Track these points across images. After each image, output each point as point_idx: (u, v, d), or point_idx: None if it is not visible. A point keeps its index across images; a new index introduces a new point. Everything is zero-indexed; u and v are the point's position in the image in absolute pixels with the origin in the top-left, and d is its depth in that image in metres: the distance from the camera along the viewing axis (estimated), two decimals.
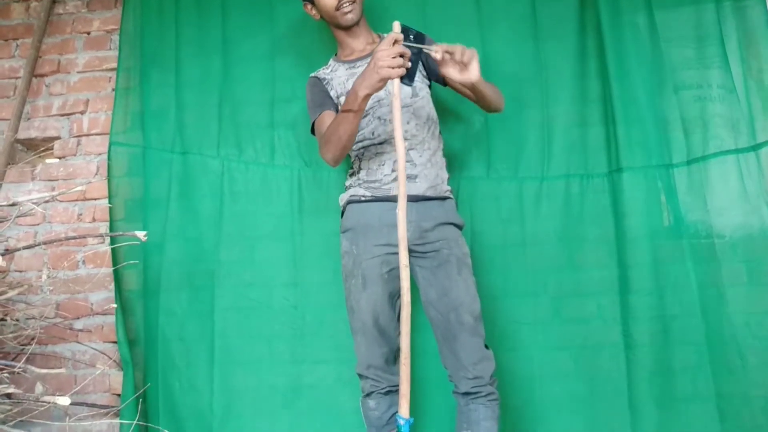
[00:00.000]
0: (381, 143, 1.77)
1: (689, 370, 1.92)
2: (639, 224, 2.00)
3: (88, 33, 2.54)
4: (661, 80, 2.05)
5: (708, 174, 1.98)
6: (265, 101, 2.27)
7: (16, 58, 2.55)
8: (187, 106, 2.28)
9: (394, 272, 1.65)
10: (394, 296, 1.70)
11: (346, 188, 1.84)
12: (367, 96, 1.54)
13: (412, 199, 1.64)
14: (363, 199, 1.75)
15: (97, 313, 2.28)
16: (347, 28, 1.82)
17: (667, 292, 1.96)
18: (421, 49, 1.59)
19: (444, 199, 1.77)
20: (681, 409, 1.91)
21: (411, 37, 1.59)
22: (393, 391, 1.69)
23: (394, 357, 1.72)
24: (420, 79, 1.80)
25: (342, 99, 1.80)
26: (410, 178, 1.69)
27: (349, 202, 1.78)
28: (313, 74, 1.91)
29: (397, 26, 1.59)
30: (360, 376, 1.75)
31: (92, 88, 2.48)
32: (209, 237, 2.19)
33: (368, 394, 1.73)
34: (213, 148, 2.25)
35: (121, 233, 2.01)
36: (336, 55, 1.94)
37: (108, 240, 2.19)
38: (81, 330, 2.28)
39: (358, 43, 1.86)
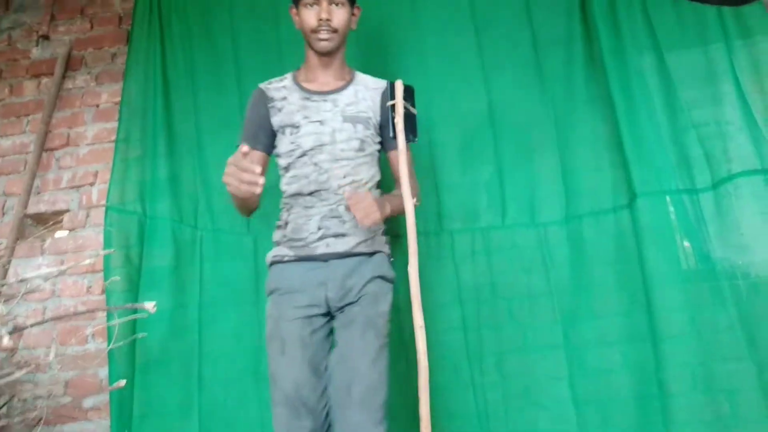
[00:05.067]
0: (311, 194, 1.62)
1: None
2: (662, 259, 1.89)
3: (97, 105, 2.57)
4: (674, 119, 1.99)
5: (737, 197, 1.87)
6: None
7: (26, 134, 2.58)
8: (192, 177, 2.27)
9: (317, 335, 1.52)
10: (320, 364, 1.50)
11: (274, 244, 1.68)
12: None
13: (338, 256, 1.58)
14: (286, 259, 1.61)
15: (107, 390, 2.19)
16: (319, 54, 1.68)
17: (703, 335, 1.82)
18: (414, 114, 1.59)
19: (373, 253, 1.63)
20: None
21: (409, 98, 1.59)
22: None
23: None
24: (372, 137, 1.69)
25: (288, 130, 1.65)
26: (338, 235, 1.59)
27: (272, 263, 1.65)
28: (262, 85, 1.73)
29: (399, 85, 1.58)
30: None
31: (101, 159, 2.48)
32: (194, 305, 2.12)
33: None
34: (218, 221, 2.21)
35: (128, 306, 1.95)
36: (297, 71, 1.76)
37: (116, 314, 2.13)
38: (90, 408, 2.20)
39: (325, 74, 1.70)
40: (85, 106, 2.58)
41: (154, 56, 2.38)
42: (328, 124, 1.64)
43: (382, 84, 1.73)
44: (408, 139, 1.54)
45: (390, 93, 1.58)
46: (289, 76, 1.74)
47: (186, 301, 2.14)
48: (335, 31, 1.63)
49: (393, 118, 1.56)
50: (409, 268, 1.43)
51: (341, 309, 1.56)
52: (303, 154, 1.63)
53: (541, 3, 2.22)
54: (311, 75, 1.71)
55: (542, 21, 2.20)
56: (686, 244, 1.88)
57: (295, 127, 1.65)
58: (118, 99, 2.52)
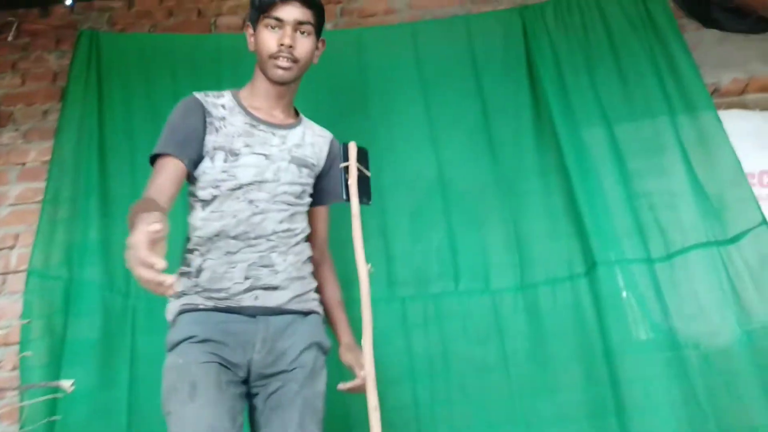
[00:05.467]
0: (237, 237, 1.35)
1: None
2: (622, 329, 1.87)
3: (24, 164, 2.40)
4: (627, 189, 2.02)
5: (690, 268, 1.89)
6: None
7: None
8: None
9: (235, 390, 1.26)
10: (237, 417, 1.23)
11: (175, 297, 1.35)
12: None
13: (269, 311, 1.33)
14: (202, 307, 1.31)
15: None
16: (273, 83, 1.44)
17: (665, 408, 1.78)
18: (368, 177, 1.54)
19: (308, 313, 1.41)
20: None
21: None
22: None
23: None
24: (311, 187, 1.52)
25: (222, 156, 1.38)
26: (269, 287, 1.34)
27: (181, 312, 1.32)
28: (199, 95, 1.43)
29: (353, 147, 1.53)
30: None
31: (24, 220, 2.29)
32: (122, 384, 1.93)
33: None
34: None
35: (41, 384, 1.74)
36: (238, 90, 1.50)
37: (27, 393, 1.90)
38: None
39: (275, 106, 1.48)
40: (9, 164, 2.40)
41: (90, 114, 2.25)
42: (274, 160, 1.42)
43: (328, 134, 1.60)
44: (362, 202, 1.48)
45: (343, 154, 1.52)
46: (227, 94, 1.48)
47: (114, 379, 1.93)
48: (296, 61, 1.41)
49: (346, 180, 1.50)
50: (363, 341, 1.33)
51: (266, 378, 1.31)
52: (237, 188, 1.37)
53: (489, 70, 2.26)
54: (257, 102, 1.47)
55: (491, 89, 2.23)
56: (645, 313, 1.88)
57: (234, 154, 1.39)
58: (47, 157, 2.35)
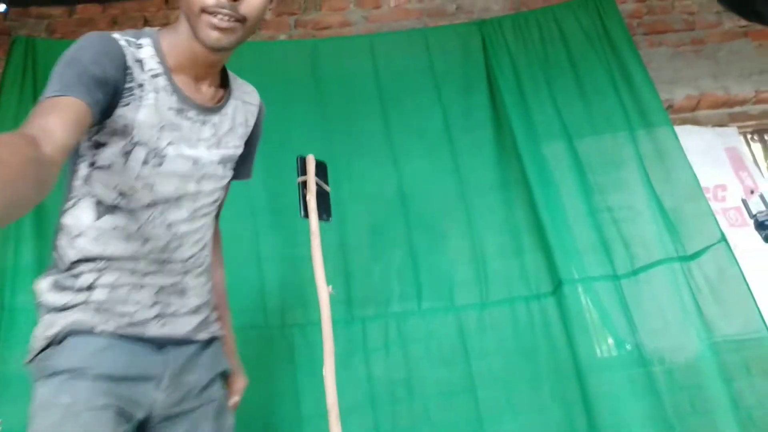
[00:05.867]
0: (146, 259, 1.04)
1: None
2: (592, 346, 1.84)
3: None
4: (589, 204, 2.01)
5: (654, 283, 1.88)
6: None
7: None
8: None
9: None
10: None
11: (53, 308, 1.02)
12: None
13: (176, 341, 1.08)
14: (98, 331, 1.00)
15: None
16: (207, 48, 0.98)
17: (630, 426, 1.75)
18: (328, 192, 1.46)
19: (212, 340, 1.16)
20: None
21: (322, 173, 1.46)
22: None
23: None
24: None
25: (141, 155, 0.98)
26: (178, 314, 1.08)
27: (70, 333, 1.00)
28: (120, 38, 0.98)
29: (311, 161, 1.45)
30: None
31: None
32: None
33: None
34: None
35: None
36: (162, 44, 1.03)
37: None
38: None
39: (203, 75, 1.06)
40: None
41: None
42: (202, 165, 1.07)
43: (255, 98, 1.22)
44: (321, 219, 1.40)
45: (300, 168, 1.44)
46: (147, 42, 1.01)
47: None
48: (242, 20, 0.96)
49: (304, 195, 1.41)
50: (324, 370, 1.23)
51: (171, 419, 1.06)
52: (152, 204, 1.02)
53: (449, 83, 2.23)
54: (183, 69, 1.03)
55: (451, 103, 2.20)
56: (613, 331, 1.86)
57: (159, 156, 1.00)
58: None
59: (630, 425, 1.73)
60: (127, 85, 0.96)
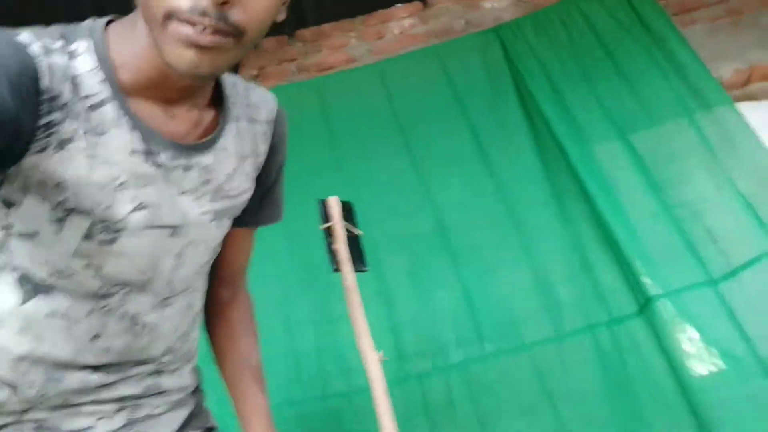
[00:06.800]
0: (97, 369, 0.72)
1: None
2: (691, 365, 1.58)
3: None
4: (658, 202, 1.78)
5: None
6: None
7: None
8: None
9: None
10: None
11: None
12: None
13: None
14: None
15: None
16: (180, 73, 0.58)
17: None
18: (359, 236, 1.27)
19: None
20: None
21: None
22: None
23: None
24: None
25: (75, 222, 0.63)
26: (150, 417, 0.78)
27: None
28: (23, 36, 0.57)
29: (336, 202, 1.27)
30: None
31: None
32: None
33: None
34: None
35: None
36: (118, 67, 0.63)
37: None
38: None
39: (183, 101, 0.67)
40: None
41: None
42: (185, 230, 0.72)
43: (268, 106, 0.82)
44: (358, 269, 1.19)
45: (322, 213, 1.24)
46: (89, 55, 0.61)
47: None
48: (234, 33, 0.57)
49: (330, 244, 1.22)
50: None
51: None
52: (103, 294, 0.69)
53: (473, 98, 2.07)
54: (151, 90, 0.64)
55: (479, 118, 2.04)
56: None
57: (111, 231, 0.65)
58: None
59: None
60: (43, 121, 0.58)
